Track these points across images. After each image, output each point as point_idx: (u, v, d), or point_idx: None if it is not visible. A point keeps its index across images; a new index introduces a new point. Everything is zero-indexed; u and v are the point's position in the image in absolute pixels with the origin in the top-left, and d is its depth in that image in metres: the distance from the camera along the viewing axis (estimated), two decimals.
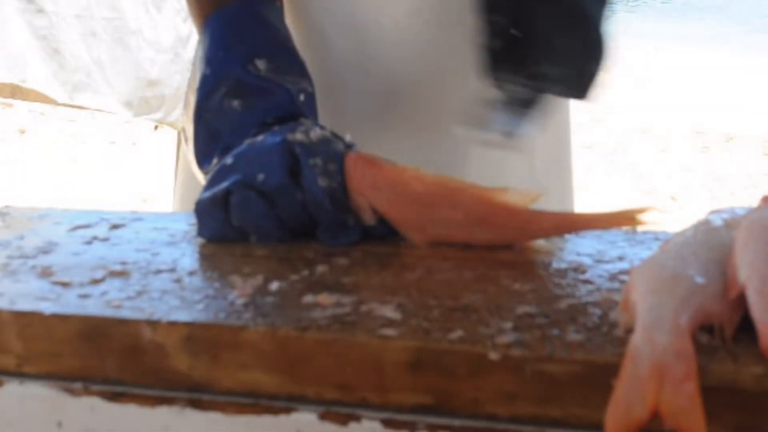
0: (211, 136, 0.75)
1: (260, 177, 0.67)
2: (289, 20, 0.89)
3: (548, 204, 0.97)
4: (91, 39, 5.22)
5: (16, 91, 4.90)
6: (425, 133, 0.93)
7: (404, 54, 0.91)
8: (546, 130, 1.03)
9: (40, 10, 5.09)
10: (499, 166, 0.96)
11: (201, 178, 0.74)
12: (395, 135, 0.93)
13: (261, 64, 0.76)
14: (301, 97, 0.76)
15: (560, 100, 1.03)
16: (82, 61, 5.26)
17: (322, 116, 0.80)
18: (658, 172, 4.81)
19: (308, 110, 0.77)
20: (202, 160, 0.75)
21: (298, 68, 0.79)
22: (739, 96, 6.65)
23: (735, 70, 7.66)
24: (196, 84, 0.77)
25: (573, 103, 0.97)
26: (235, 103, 0.74)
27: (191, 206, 0.71)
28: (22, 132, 5.11)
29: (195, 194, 0.71)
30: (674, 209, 4.16)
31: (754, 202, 0.60)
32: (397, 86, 0.92)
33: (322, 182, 0.67)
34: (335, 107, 0.91)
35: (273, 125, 0.73)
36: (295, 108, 0.75)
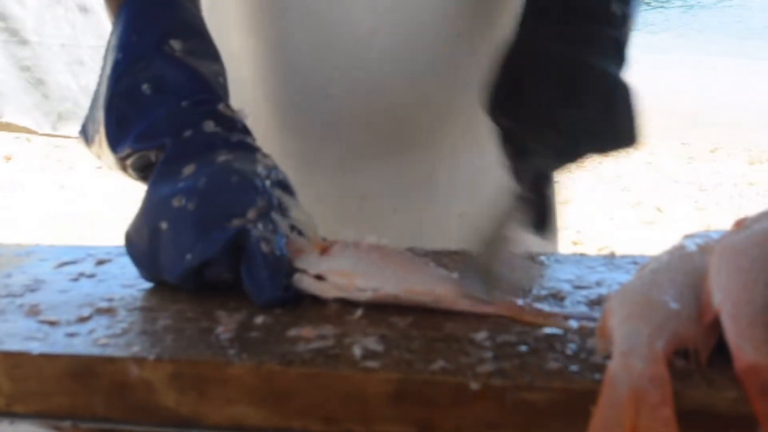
0: (119, 123, 0.72)
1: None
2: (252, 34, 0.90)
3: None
4: (78, 67, 5.21)
5: None
6: (395, 156, 0.93)
7: (376, 75, 0.90)
8: None
9: (24, 41, 5.09)
10: (470, 190, 0.96)
11: (112, 162, 0.73)
12: (361, 157, 0.93)
13: (176, 44, 0.73)
14: (220, 80, 0.75)
15: None
16: (69, 90, 5.25)
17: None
18: (643, 184, 4.83)
19: (224, 94, 0.75)
20: (115, 145, 0.73)
21: (213, 53, 0.76)
22: (723, 105, 6.70)
23: (719, 78, 7.71)
24: (107, 71, 0.74)
25: None
26: (145, 86, 0.72)
27: None
28: (8, 159, 5.10)
29: None
30: (660, 220, 4.18)
31: (740, 211, 0.61)
32: (366, 107, 0.91)
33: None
34: (300, 126, 0.91)
35: (189, 110, 0.71)
36: (207, 93, 0.73)
